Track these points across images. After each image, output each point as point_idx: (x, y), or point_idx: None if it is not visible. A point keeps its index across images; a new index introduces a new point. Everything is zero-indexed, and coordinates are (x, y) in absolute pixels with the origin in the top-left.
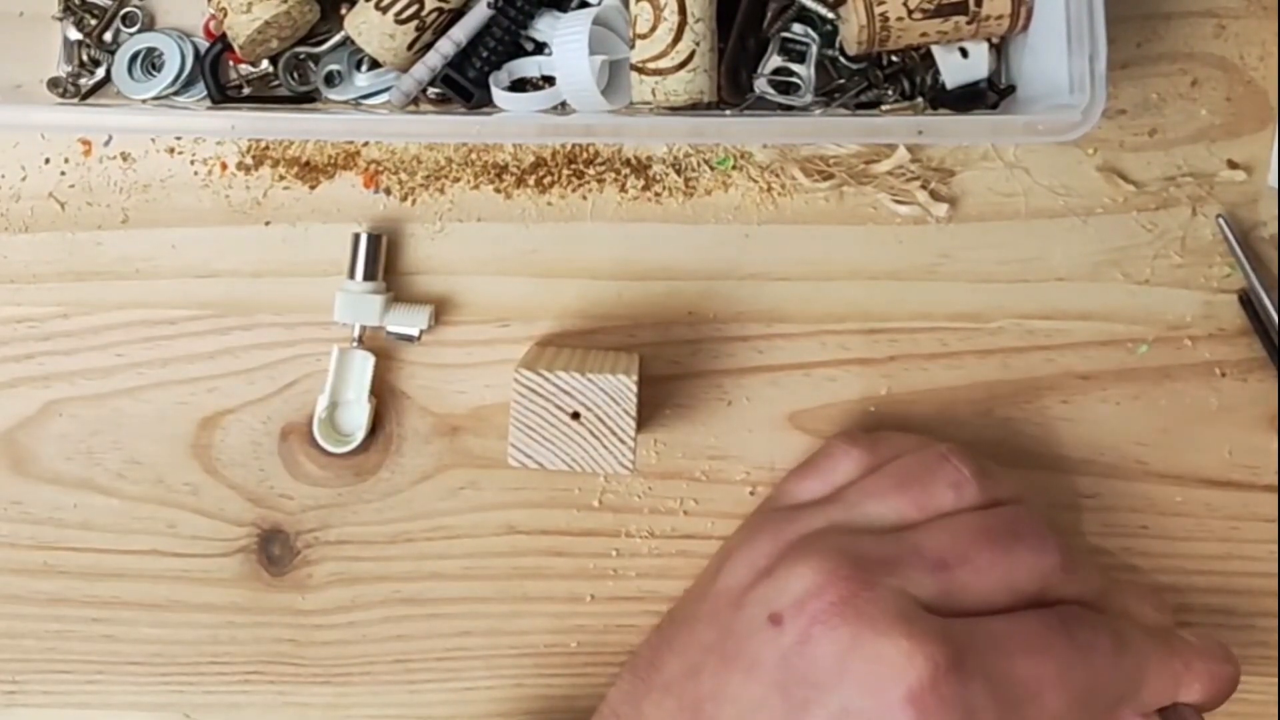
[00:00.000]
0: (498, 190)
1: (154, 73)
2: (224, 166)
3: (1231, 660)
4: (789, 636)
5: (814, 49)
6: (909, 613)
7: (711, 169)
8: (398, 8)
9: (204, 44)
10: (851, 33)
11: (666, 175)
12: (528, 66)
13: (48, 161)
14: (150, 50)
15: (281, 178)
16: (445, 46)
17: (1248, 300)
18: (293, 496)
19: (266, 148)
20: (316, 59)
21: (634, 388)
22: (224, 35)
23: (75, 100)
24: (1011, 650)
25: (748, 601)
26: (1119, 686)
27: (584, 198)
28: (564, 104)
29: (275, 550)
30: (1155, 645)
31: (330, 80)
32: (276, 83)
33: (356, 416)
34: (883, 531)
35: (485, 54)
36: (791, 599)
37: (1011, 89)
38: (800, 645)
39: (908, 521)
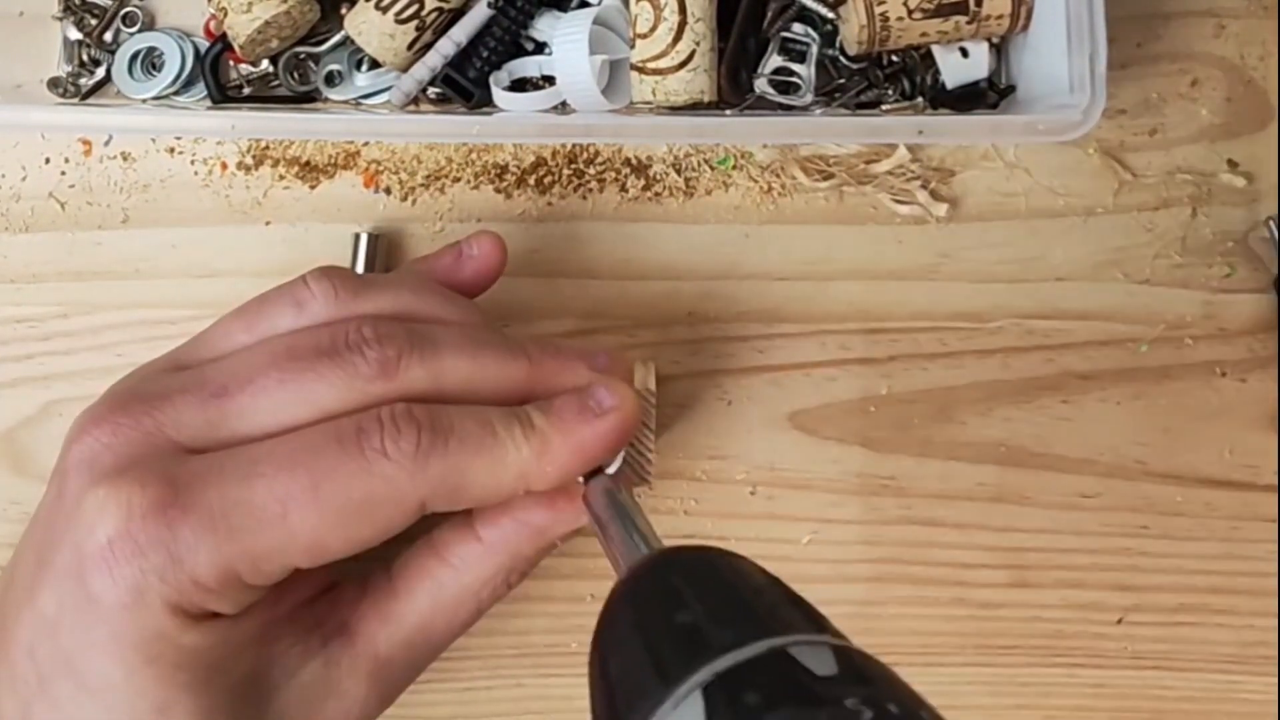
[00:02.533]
0: (498, 190)
1: (154, 73)
2: (224, 166)
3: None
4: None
5: (814, 49)
6: (134, 457)
7: (711, 169)
8: (398, 8)
9: (204, 44)
10: (851, 32)
11: (666, 175)
12: (528, 66)
13: (48, 161)
14: (150, 50)
15: (281, 178)
16: (445, 46)
17: None
18: None
19: (266, 148)
20: (316, 59)
21: (651, 399)
22: (224, 35)
23: (75, 100)
24: (258, 473)
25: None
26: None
27: (584, 198)
28: (564, 104)
29: None
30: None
31: (330, 80)
32: (276, 83)
33: None
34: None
35: (485, 54)
36: (62, 462)
37: (1011, 89)
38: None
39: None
